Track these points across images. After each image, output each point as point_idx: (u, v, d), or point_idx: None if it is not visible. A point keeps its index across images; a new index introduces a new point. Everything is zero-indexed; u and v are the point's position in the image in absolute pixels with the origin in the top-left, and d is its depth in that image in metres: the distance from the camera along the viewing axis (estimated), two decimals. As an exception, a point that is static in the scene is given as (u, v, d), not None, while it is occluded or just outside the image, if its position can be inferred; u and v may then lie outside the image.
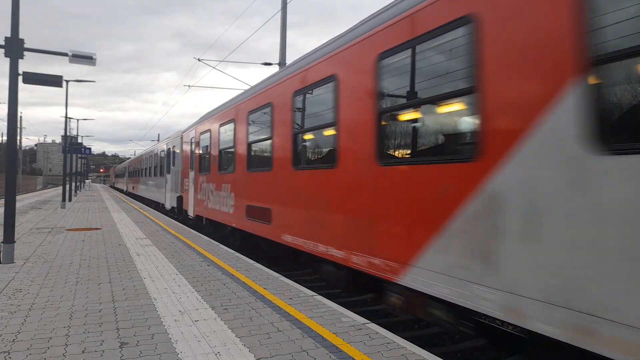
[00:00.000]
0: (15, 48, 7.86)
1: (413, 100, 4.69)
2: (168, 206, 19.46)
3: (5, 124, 29.70)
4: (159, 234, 11.87)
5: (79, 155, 39.83)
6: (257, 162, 9.04)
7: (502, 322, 6.72)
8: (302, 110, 7.20)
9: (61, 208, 21.64)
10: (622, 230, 2.70)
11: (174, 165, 18.17)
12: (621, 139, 2.79)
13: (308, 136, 7.12)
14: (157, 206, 23.55)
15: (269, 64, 15.74)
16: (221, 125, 11.46)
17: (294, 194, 7.16)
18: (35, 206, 23.32)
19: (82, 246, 9.63)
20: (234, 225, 10.28)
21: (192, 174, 14.70)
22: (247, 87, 16.35)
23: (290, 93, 7.40)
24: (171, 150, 18.84)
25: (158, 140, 44.67)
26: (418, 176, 4.44)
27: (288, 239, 7.29)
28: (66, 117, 26.33)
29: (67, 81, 23.39)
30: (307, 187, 6.79)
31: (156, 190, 23.42)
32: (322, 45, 6.88)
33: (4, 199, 8.49)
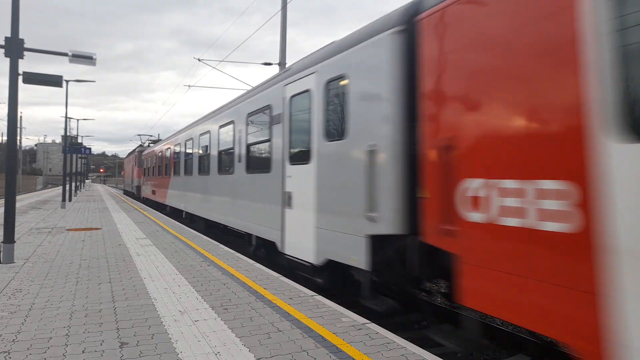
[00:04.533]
0: (15, 48, 7.86)
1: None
2: None
3: (5, 124, 29.48)
4: (159, 234, 11.87)
5: (79, 155, 39.84)
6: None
7: (502, 322, 6.73)
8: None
9: (61, 208, 21.65)
10: None
11: None
12: None
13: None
14: None
15: (269, 63, 15.74)
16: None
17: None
18: (35, 206, 23.32)
19: (82, 246, 9.63)
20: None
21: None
22: (247, 87, 16.34)
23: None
24: None
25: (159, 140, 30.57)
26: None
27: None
28: (66, 117, 26.34)
29: (67, 81, 23.40)
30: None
31: None
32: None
33: (4, 199, 8.49)
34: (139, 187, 32.45)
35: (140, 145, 36.87)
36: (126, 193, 44.84)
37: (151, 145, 31.09)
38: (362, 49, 5.53)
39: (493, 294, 3.54)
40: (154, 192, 23.51)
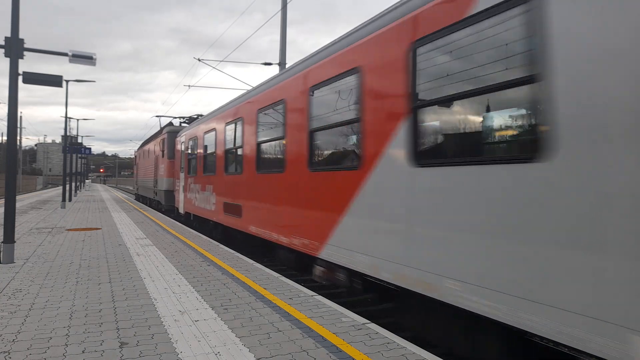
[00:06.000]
0: (15, 48, 7.86)
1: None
2: None
3: (5, 124, 29.24)
4: (159, 234, 11.87)
5: (79, 155, 39.86)
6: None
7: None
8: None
9: (61, 208, 21.64)
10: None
11: None
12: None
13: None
14: None
15: (269, 63, 15.75)
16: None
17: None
18: (35, 206, 23.32)
19: (82, 246, 9.63)
20: None
21: None
22: (247, 87, 16.34)
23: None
24: None
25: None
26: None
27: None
28: (66, 117, 26.34)
29: (67, 81, 23.40)
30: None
31: None
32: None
33: (4, 199, 8.49)
34: (170, 194, 19.60)
35: (170, 124, 21.73)
36: (138, 198, 29.65)
37: (185, 125, 19.58)
38: None
39: None
40: (236, 211, 9.99)
